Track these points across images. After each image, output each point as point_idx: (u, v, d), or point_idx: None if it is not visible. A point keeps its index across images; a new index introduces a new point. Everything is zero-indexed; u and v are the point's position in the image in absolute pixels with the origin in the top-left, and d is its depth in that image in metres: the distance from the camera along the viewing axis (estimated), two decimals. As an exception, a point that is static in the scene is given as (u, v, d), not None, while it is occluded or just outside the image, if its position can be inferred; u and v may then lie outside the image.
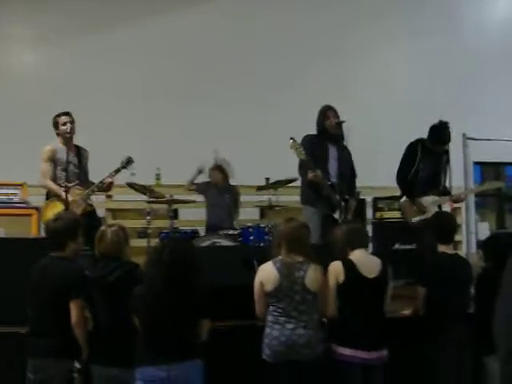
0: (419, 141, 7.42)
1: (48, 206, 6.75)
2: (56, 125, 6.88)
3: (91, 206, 6.92)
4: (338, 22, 10.85)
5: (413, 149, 7.40)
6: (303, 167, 6.81)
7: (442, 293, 5.22)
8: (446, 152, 7.49)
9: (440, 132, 7.24)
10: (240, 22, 10.57)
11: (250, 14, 10.64)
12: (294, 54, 10.67)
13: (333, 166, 7.06)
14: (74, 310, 4.56)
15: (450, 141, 7.28)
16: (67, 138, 6.85)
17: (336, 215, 6.89)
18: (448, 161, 7.49)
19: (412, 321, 5.48)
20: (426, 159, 7.35)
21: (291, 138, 6.47)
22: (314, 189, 6.88)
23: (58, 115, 6.90)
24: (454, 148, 7.49)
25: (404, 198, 7.38)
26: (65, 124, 6.84)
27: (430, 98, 10.52)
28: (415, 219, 7.28)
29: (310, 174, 6.69)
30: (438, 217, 5.85)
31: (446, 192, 7.50)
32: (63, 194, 6.59)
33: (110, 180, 6.85)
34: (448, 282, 5.23)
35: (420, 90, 10.80)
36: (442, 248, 5.45)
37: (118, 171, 6.88)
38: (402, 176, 7.39)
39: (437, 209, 7.26)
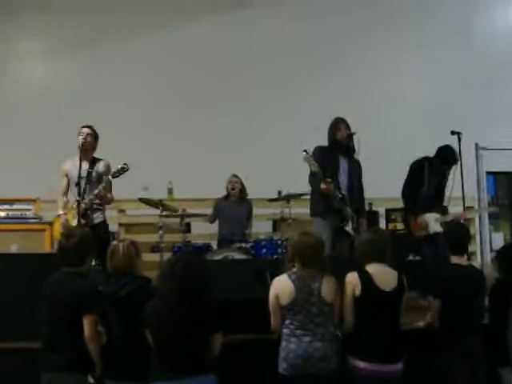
0: (425, 159, 7.58)
1: (56, 222, 6.88)
2: (78, 134, 6.88)
3: (100, 222, 6.93)
4: (348, 31, 10.80)
5: (419, 167, 7.57)
6: (314, 179, 6.81)
7: (455, 304, 5.18)
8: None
9: (449, 154, 7.37)
10: (251, 33, 10.56)
11: (262, 24, 10.65)
12: (304, 65, 10.63)
13: (343, 179, 7.06)
14: (87, 325, 4.56)
15: (458, 160, 7.36)
16: (82, 151, 6.76)
17: (347, 227, 6.88)
18: (448, 176, 7.61)
19: (426, 332, 5.45)
20: (431, 177, 7.52)
21: (304, 150, 6.48)
22: (324, 201, 6.88)
23: (81, 126, 6.91)
24: (467, 158, 7.46)
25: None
26: (81, 135, 6.83)
27: (442, 107, 10.46)
28: (418, 235, 7.47)
29: (323, 185, 6.69)
30: (452, 228, 5.80)
31: (446, 209, 7.60)
32: (59, 212, 6.73)
33: (98, 192, 6.67)
34: (462, 294, 5.19)
35: (432, 100, 10.73)
36: (455, 259, 5.41)
37: (108, 181, 6.71)
38: (408, 193, 7.57)
39: (439, 226, 7.33)
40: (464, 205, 7.44)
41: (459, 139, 7.30)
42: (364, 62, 10.89)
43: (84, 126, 6.92)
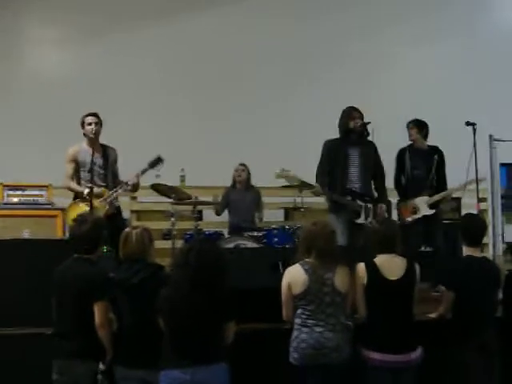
0: (409, 146, 7.78)
1: (71, 208, 6.83)
2: (82, 124, 6.93)
3: (116, 208, 6.97)
4: (364, 23, 10.82)
5: (400, 155, 7.78)
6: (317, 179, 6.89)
7: (469, 296, 5.14)
8: (437, 153, 7.73)
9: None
10: (266, 24, 10.59)
11: (276, 17, 10.67)
12: (318, 56, 10.68)
13: (353, 171, 7.02)
14: (97, 311, 4.55)
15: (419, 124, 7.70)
16: (92, 139, 6.85)
17: (359, 220, 6.84)
18: (441, 160, 7.73)
19: (439, 324, 5.42)
20: (416, 161, 7.68)
21: (278, 170, 6.67)
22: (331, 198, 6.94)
23: (86, 115, 6.93)
24: (481, 149, 7.43)
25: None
26: (90, 124, 6.88)
27: (456, 99, 10.44)
28: (409, 220, 7.61)
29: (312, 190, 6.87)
30: (466, 219, 5.73)
31: (439, 190, 7.69)
32: (84, 191, 6.66)
33: (135, 181, 6.86)
34: (476, 286, 5.13)
35: (446, 92, 10.72)
36: (469, 251, 5.34)
37: (144, 171, 6.84)
38: (396, 181, 7.81)
39: (428, 208, 7.55)
40: (478, 196, 7.41)
41: (474, 130, 7.28)
42: (375, 57, 10.92)
43: (89, 115, 6.94)
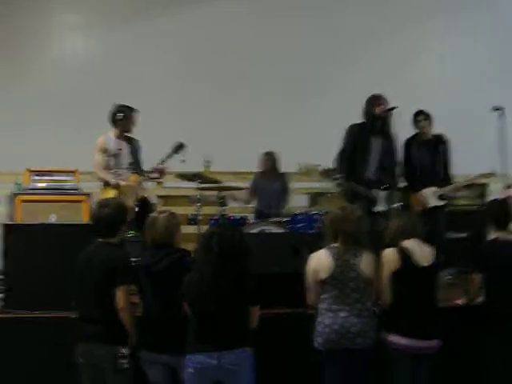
0: (412, 136, 7.66)
1: (101, 193, 6.90)
2: (129, 118, 7.04)
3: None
4: (392, 16, 10.74)
5: (407, 144, 7.64)
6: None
7: (499, 280, 5.05)
8: (443, 141, 7.61)
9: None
10: (287, 15, 10.57)
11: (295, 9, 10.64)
12: (345, 44, 10.61)
13: (374, 159, 6.98)
14: (120, 296, 4.55)
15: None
16: (123, 132, 7.01)
17: (376, 208, 6.78)
18: (446, 150, 7.61)
19: (467, 310, 5.38)
20: (423, 152, 7.55)
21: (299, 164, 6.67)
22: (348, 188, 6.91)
23: (137, 111, 7.12)
24: (509, 134, 7.35)
25: None
26: (134, 124, 7.10)
27: (484, 86, 10.34)
28: (416, 210, 7.40)
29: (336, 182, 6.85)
30: (492, 204, 5.67)
31: (446, 181, 7.59)
32: (113, 181, 6.70)
33: (161, 167, 6.96)
34: (505, 269, 5.06)
35: (473, 79, 10.60)
36: (497, 234, 5.26)
37: (169, 157, 6.94)
38: (404, 171, 7.63)
39: (437, 200, 7.44)
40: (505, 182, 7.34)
41: (502, 115, 7.20)
42: (411, 44, 10.83)
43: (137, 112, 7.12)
